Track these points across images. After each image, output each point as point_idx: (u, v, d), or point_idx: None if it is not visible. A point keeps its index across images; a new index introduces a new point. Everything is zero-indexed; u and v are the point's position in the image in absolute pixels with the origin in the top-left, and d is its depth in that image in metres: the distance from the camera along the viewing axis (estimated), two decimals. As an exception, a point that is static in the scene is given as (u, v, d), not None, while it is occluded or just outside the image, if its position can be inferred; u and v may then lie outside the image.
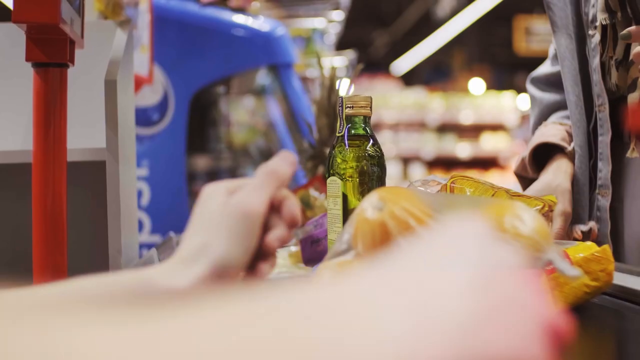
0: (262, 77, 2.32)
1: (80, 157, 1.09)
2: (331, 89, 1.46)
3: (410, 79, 12.71)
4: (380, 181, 0.92)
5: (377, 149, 0.92)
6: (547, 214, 0.89)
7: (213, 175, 2.34)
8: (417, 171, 6.87)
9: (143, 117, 1.84)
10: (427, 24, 9.09)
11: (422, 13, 9.04)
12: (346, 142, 0.92)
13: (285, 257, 1.26)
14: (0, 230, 1.14)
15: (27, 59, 0.98)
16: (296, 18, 2.88)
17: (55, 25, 0.92)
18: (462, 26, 8.62)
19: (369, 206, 0.63)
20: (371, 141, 0.92)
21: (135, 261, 1.26)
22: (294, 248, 1.28)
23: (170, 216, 1.84)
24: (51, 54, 0.98)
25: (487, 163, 7.18)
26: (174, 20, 1.90)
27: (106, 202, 1.09)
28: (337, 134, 0.95)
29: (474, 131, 7.36)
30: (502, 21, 8.70)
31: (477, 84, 10.57)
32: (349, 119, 0.94)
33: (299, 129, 1.97)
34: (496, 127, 7.38)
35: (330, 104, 1.45)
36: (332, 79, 1.47)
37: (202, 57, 1.92)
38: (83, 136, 1.14)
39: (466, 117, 7.33)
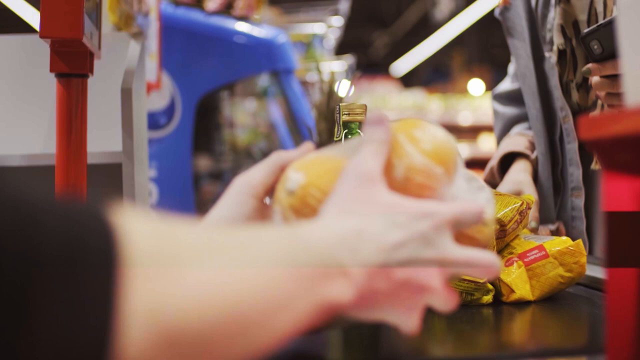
0: (264, 81, 2.41)
1: (98, 160, 1.18)
2: (330, 95, 1.55)
3: (409, 80, 12.77)
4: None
5: (372, 153, 1.01)
6: (525, 210, 0.98)
7: (216, 175, 2.43)
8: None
9: (151, 120, 1.93)
10: (427, 25, 9.17)
11: (421, 14, 9.11)
12: (343, 147, 1.01)
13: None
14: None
15: (51, 70, 1.07)
16: (297, 23, 2.98)
17: (79, 40, 1.01)
18: (461, 27, 8.71)
19: (283, 189, 0.61)
20: (366, 145, 1.01)
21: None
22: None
23: (176, 214, 1.92)
24: (73, 65, 1.07)
25: (484, 163, 7.24)
26: (181, 28, 1.99)
27: (122, 202, 1.18)
28: (335, 139, 1.04)
29: (472, 132, 7.46)
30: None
31: (476, 85, 10.64)
32: (346, 125, 1.02)
33: (300, 132, 2.06)
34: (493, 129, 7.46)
35: (329, 109, 1.54)
36: (331, 85, 1.56)
37: (207, 63, 2.02)
38: (99, 139, 1.23)
39: (464, 119, 7.42)
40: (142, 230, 0.42)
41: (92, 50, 1.11)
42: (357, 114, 1.04)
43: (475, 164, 7.50)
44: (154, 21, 1.74)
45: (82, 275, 0.36)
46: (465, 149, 7.35)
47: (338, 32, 3.05)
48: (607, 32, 0.98)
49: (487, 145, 7.45)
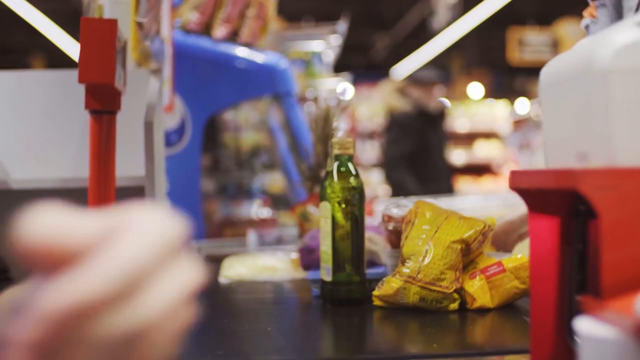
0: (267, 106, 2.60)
1: (123, 183, 1.35)
2: (326, 121, 1.73)
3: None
4: (360, 205, 1.19)
5: (359, 181, 1.19)
6: (487, 232, 1.16)
7: (222, 189, 2.62)
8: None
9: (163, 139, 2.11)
10: (428, 28, 9.26)
11: (422, 17, 9.20)
12: (335, 176, 1.19)
13: (288, 263, 1.54)
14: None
15: (86, 107, 1.24)
16: (297, 41, 3.15)
17: (111, 84, 1.19)
18: (461, 31, 8.82)
19: None
20: (353, 176, 1.19)
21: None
22: (294, 255, 1.56)
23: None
24: (104, 103, 1.25)
25: (480, 169, 7.45)
26: (191, 55, 2.17)
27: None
28: (328, 169, 1.22)
29: (468, 138, 7.63)
30: (500, 27, 8.91)
31: (475, 89, 10.72)
32: (337, 157, 1.21)
33: (299, 151, 2.24)
34: (489, 135, 7.65)
35: (324, 134, 1.72)
36: (327, 113, 1.74)
37: (214, 87, 2.20)
38: (124, 164, 1.40)
39: (461, 126, 7.59)
40: None
41: (120, 89, 1.29)
42: (347, 148, 1.22)
43: (471, 169, 7.69)
44: (168, 49, 1.92)
45: None
46: (462, 155, 7.53)
47: (336, 50, 3.22)
48: None
49: (483, 151, 7.63)
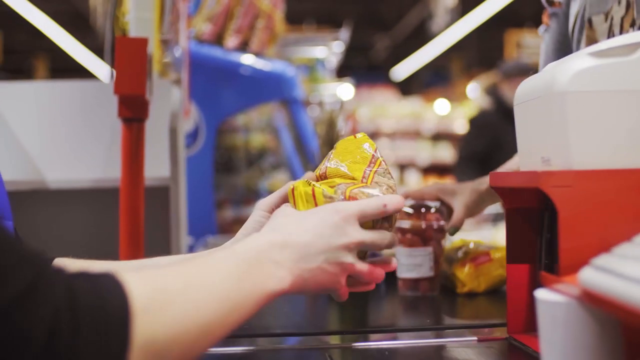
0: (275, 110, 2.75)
1: (150, 184, 1.51)
2: (330, 125, 1.88)
3: (410, 83, 12.92)
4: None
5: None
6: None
7: (232, 187, 2.77)
8: (413, 177, 7.27)
9: (179, 142, 2.26)
10: (427, 30, 9.33)
11: (422, 18, 9.28)
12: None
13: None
14: (92, 237, 1.56)
15: (119, 115, 1.39)
16: (301, 47, 3.30)
17: (142, 95, 1.34)
18: (461, 32, 8.90)
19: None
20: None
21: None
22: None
23: (201, 222, 2.26)
24: (135, 112, 1.40)
25: (477, 168, 7.58)
26: (205, 63, 2.33)
27: (168, 216, 1.51)
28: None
29: (467, 139, 7.77)
30: (500, 28, 8.99)
31: (475, 89, 10.77)
32: (343, 160, 1.36)
33: (306, 152, 2.40)
34: (488, 136, 7.78)
35: (329, 137, 1.87)
36: (332, 118, 1.89)
37: (226, 93, 2.35)
38: (151, 167, 1.56)
39: (460, 127, 7.72)
40: (136, 280, 0.60)
41: (148, 99, 1.44)
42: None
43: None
44: (184, 59, 2.07)
45: (108, 316, 0.55)
46: (460, 155, 7.67)
47: (339, 56, 3.37)
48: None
49: (481, 152, 7.76)
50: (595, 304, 0.63)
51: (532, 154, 0.87)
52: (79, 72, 11.26)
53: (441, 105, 7.92)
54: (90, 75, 11.25)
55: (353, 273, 0.76)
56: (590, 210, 0.76)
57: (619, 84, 0.78)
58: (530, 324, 0.92)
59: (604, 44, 0.80)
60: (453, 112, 7.74)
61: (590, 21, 1.15)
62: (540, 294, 0.70)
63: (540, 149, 0.84)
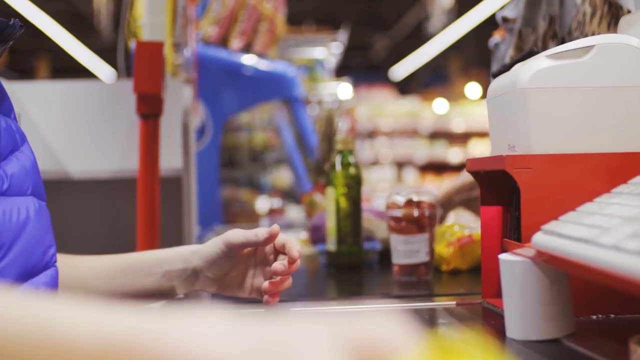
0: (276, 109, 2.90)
1: (164, 174, 1.65)
2: (329, 122, 2.03)
3: (408, 82, 13.01)
4: (358, 190, 1.48)
5: (357, 171, 1.49)
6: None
7: (236, 180, 2.92)
8: (410, 175, 7.42)
9: (186, 138, 2.41)
10: (426, 30, 9.43)
11: (421, 18, 9.39)
12: (338, 167, 1.49)
13: (299, 240, 1.83)
14: (111, 223, 1.70)
15: (137, 112, 1.54)
16: (301, 48, 3.44)
17: (159, 94, 1.49)
18: (459, 32, 9.01)
19: None
20: (353, 166, 1.49)
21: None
22: (303, 236, 1.85)
23: (207, 212, 2.41)
24: (151, 109, 1.54)
25: (475, 167, 7.72)
26: (211, 64, 2.47)
27: (181, 205, 1.66)
28: (333, 161, 1.52)
29: (464, 138, 7.92)
30: (498, 27, 9.09)
31: (473, 89, 10.89)
32: (340, 152, 1.50)
33: (306, 148, 2.55)
34: (484, 134, 7.94)
35: (328, 134, 2.02)
36: (330, 115, 2.03)
37: (231, 92, 2.50)
38: (164, 158, 1.70)
39: (457, 125, 7.87)
40: None
41: (163, 96, 1.59)
42: (348, 144, 1.52)
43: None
44: (192, 59, 2.22)
45: None
46: (458, 154, 7.83)
47: (338, 57, 3.52)
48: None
49: (478, 150, 7.92)
50: (545, 261, 0.78)
51: (501, 142, 1.01)
52: (80, 72, 11.40)
53: (439, 105, 8.06)
54: (91, 75, 11.39)
55: None
56: (547, 188, 0.91)
57: (572, 81, 0.92)
58: (501, 290, 1.05)
59: (560, 48, 0.94)
60: (451, 111, 7.87)
61: (520, 33, 1.37)
62: (502, 256, 0.84)
63: (507, 137, 0.98)
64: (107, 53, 10.49)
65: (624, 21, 1.12)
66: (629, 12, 1.14)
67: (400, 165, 7.48)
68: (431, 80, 12.42)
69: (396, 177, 7.41)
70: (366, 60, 13.13)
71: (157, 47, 1.50)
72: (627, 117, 0.92)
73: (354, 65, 11.64)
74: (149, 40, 1.53)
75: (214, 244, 0.97)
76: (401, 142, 7.40)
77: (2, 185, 0.81)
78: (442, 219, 1.63)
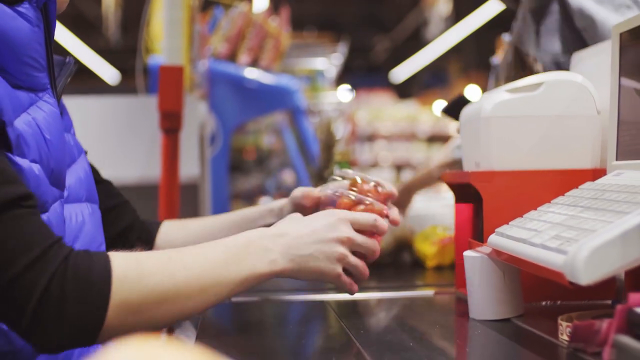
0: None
1: (183, 181, 1.86)
2: (329, 134, 2.23)
3: (408, 84, 13.07)
4: (355, 196, 1.69)
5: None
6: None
7: (243, 185, 3.14)
8: (408, 177, 7.59)
9: (198, 145, 2.63)
10: (425, 33, 9.46)
11: (421, 21, 9.46)
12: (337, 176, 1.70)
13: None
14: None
15: (160, 127, 1.75)
16: (303, 58, 3.65)
17: (180, 112, 1.70)
18: (459, 35, 9.09)
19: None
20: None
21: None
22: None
23: (220, 211, 2.61)
24: (173, 124, 1.75)
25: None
26: (221, 77, 2.69)
27: (197, 208, 1.87)
28: (333, 169, 1.73)
29: (461, 141, 8.04)
30: (497, 31, 9.17)
31: (473, 91, 10.97)
32: (339, 162, 1.71)
33: (308, 156, 2.76)
34: (481, 137, 8.08)
35: (328, 144, 2.23)
36: (329, 126, 2.24)
37: (239, 103, 2.72)
38: (181, 167, 1.91)
39: (454, 129, 8.01)
40: (123, 257, 0.74)
41: (182, 113, 1.80)
42: (344, 155, 1.73)
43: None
44: (205, 75, 2.43)
45: (92, 281, 0.71)
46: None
47: (338, 68, 3.73)
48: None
49: (475, 153, 8.05)
50: (498, 257, 0.99)
51: (469, 160, 1.22)
52: (82, 73, 11.56)
53: (437, 107, 8.20)
54: (93, 75, 11.54)
55: (347, 264, 0.89)
56: (505, 198, 1.11)
57: (526, 111, 1.13)
58: (471, 282, 1.26)
59: (516, 84, 1.15)
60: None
61: (517, 49, 1.53)
62: (467, 253, 1.05)
63: (474, 156, 1.19)
64: (109, 54, 10.65)
65: (576, 56, 1.33)
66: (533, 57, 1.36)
67: (398, 167, 7.65)
68: (431, 82, 12.46)
69: (395, 180, 7.59)
70: (367, 62, 13.19)
71: (178, 71, 1.71)
72: (571, 140, 1.13)
73: (354, 67, 11.72)
74: (171, 65, 1.74)
75: (292, 200, 1.11)
76: (399, 145, 7.57)
77: (64, 195, 0.97)
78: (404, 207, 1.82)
